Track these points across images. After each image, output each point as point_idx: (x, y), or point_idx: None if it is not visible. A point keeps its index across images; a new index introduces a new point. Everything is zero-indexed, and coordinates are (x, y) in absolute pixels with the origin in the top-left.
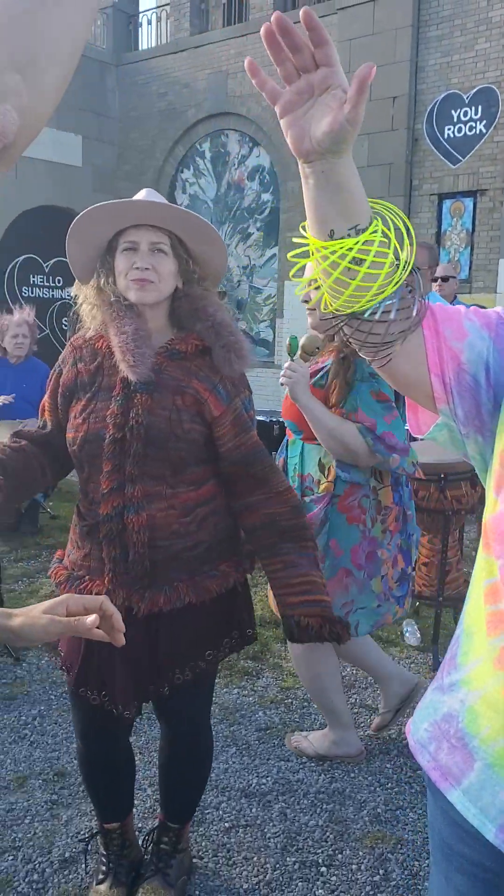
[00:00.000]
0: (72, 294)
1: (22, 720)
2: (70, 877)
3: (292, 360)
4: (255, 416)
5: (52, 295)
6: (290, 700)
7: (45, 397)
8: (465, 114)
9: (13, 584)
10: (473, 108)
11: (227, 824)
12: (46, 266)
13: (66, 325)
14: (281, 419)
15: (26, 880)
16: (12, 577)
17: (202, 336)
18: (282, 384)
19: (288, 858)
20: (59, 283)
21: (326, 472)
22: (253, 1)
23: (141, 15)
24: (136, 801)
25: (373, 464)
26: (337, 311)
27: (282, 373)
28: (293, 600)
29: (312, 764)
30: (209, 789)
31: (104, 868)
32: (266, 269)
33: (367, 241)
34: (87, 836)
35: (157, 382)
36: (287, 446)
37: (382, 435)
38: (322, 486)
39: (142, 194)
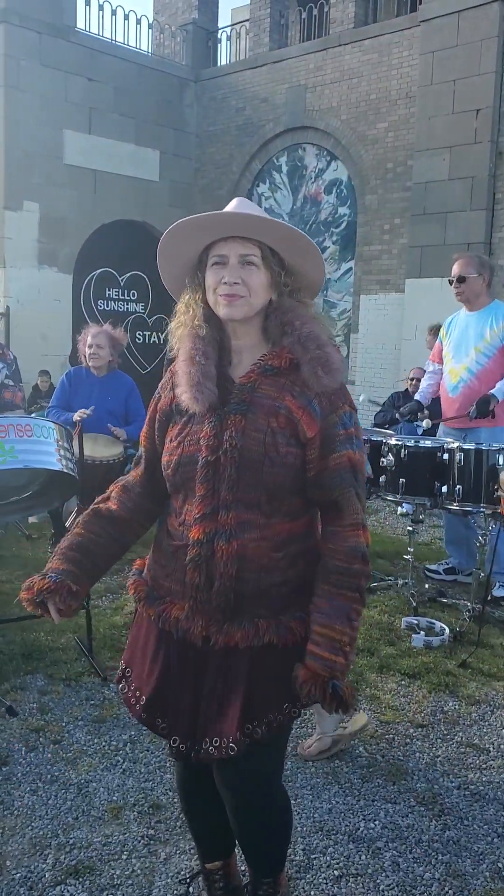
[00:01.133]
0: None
1: (113, 745)
2: None
3: None
4: (360, 434)
5: (127, 308)
6: (391, 735)
7: (144, 426)
8: None
9: (97, 599)
10: None
11: (336, 872)
12: (122, 280)
13: (139, 339)
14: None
15: None
16: (96, 593)
17: (292, 350)
18: None
19: None
20: (133, 296)
21: None
22: (334, 14)
23: (220, 31)
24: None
25: None
26: None
27: None
28: (310, 647)
29: (422, 808)
30: (314, 832)
31: None
32: (341, 283)
33: None
34: (188, 876)
35: (251, 402)
36: None
37: None
38: None
39: (232, 204)
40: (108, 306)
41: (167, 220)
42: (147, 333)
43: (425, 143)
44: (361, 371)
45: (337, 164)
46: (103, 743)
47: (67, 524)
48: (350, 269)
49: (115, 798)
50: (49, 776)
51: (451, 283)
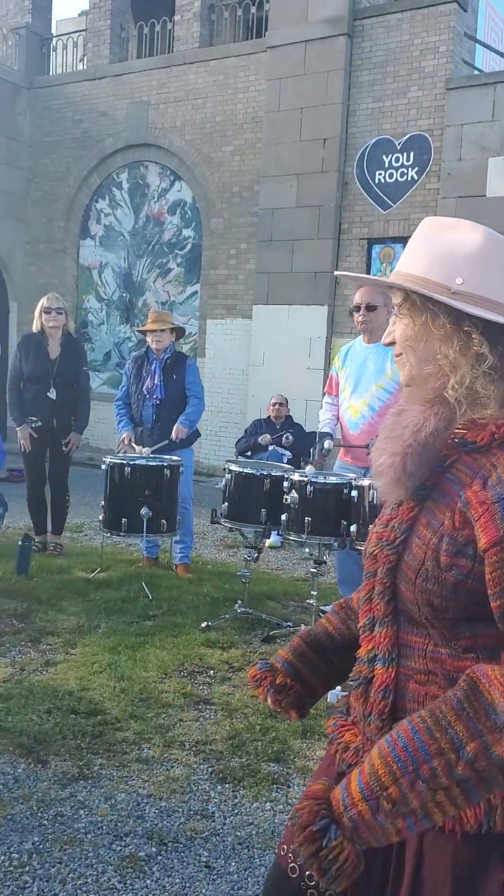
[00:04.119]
0: None
1: (14, 859)
2: None
3: None
4: None
5: None
6: None
7: None
8: (397, 160)
9: None
10: (405, 155)
11: None
12: None
13: None
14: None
15: None
16: None
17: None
18: None
19: None
20: None
21: None
22: (178, 32)
23: (55, 38)
24: None
25: None
26: None
27: None
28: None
29: None
30: None
31: None
32: (187, 307)
33: None
34: None
35: (438, 486)
36: None
37: None
38: None
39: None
40: None
41: None
42: None
43: (272, 170)
44: (209, 396)
45: (181, 185)
46: (1, 856)
47: None
48: (195, 292)
49: None
50: None
51: (355, 310)
